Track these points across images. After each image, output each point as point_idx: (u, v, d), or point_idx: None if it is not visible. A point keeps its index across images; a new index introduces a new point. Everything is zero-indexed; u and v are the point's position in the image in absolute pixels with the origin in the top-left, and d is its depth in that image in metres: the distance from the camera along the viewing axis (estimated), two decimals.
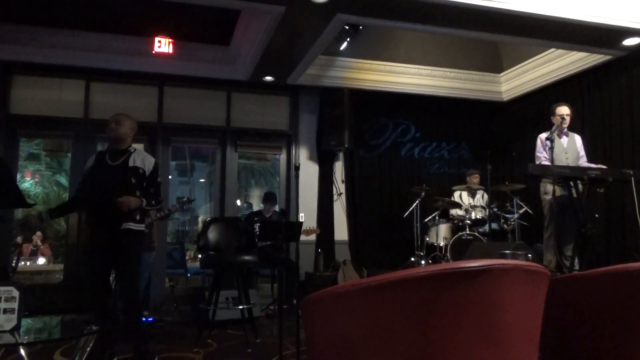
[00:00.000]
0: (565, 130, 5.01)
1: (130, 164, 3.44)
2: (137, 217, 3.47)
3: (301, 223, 4.84)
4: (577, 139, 5.14)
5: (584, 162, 5.02)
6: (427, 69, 7.22)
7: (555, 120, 4.97)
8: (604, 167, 4.75)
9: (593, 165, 4.79)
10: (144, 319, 4.81)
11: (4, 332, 2.42)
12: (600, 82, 6.17)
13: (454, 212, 6.72)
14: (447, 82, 7.33)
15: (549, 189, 4.90)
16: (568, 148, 5.00)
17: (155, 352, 3.92)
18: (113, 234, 3.37)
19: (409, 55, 7.06)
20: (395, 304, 1.33)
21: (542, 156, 4.88)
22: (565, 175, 4.39)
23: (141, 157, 3.51)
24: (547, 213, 4.98)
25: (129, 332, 3.53)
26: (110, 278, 3.70)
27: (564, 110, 4.97)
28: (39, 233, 9.76)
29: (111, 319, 3.59)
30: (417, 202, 6.54)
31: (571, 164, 4.82)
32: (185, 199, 5.20)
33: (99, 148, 6.55)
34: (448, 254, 6.21)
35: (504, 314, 1.36)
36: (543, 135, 5.01)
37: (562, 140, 4.96)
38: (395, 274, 1.34)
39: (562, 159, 4.78)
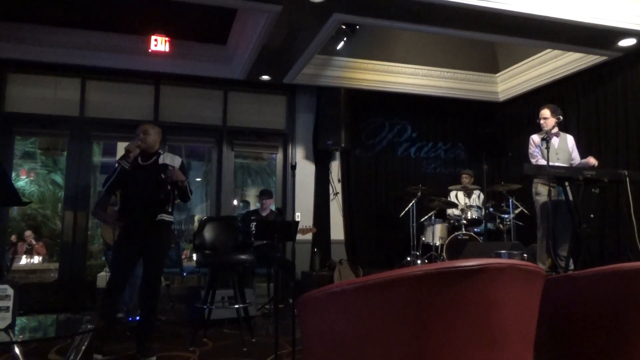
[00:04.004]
0: (556, 130, 5.02)
1: (160, 162, 3.83)
2: (169, 209, 3.82)
3: (297, 222, 4.86)
4: (569, 139, 5.14)
5: (576, 163, 5.03)
6: (423, 69, 7.23)
7: (541, 123, 5.01)
8: (593, 160, 4.76)
9: (584, 161, 4.82)
10: (137, 317, 4.81)
11: None
12: (595, 83, 6.20)
13: (450, 212, 6.73)
14: (444, 82, 7.35)
15: (540, 190, 4.91)
16: (559, 149, 5.01)
17: (152, 351, 3.93)
18: (148, 226, 3.70)
19: (406, 55, 7.07)
20: (391, 303, 1.33)
21: (538, 156, 4.89)
22: (560, 176, 4.40)
23: (170, 157, 3.90)
24: (539, 213, 5.00)
25: (140, 325, 3.76)
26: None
27: (541, 113, 4.99)
28: (29, 232, 9.70)
29: (111, 317, 3.79)
30: (413, 202, 6.55)
31: (562, 165, 4.83)
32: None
33: (95, 147, 6.54)
34: (444, 254, 6.22)
35: (499, 313, 1.36)
36: (535, 136, 5.03)
37: (552, 141, 4.96)
38: (391, 273, 1.34)
39: (553, 160, 4.79)
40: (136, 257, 3.78)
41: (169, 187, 3.79)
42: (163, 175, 3.73)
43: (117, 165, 3.77)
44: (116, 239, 3.90)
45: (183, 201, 3.97)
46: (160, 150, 3.92)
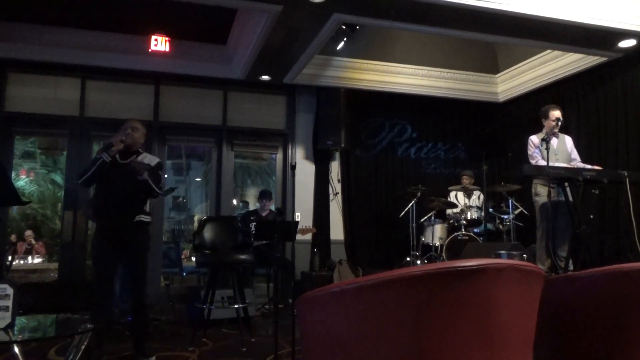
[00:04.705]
0: (556, 131, 5.02)
1: (139, 161, 3.67)
2: (147, 209, 3.71)
3: (297, 222, 4.85)
4: (568, 140, 5.14)
5: (577, 163, 5.03)
6: (423, 69, 7.23)
7: (548, 123, 4.99)
8: (598, 167, 4.76)
9: (588, 166, 4.81)
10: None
11: None
12: (595, 83, 6.20)
13: (450, 212, 6.73)
14: (444, 83, 7.35)
15: (540, 191, 4.91)
16: (558, 149, 5.01)
17: (151, 351, 3.92)
18: (125, 227, 3.57)
19: (406, 55, 7.07)
20: (390, 303, 1.33)
21: (538, 157, 4.89)
22: (560, 177, 4.40)
23: (148, 157, 3.77)
24: (538, 214, 5.00)
25: (135, 327, 3.66)
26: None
27: (557, 113, 4.97)
28: (29, 231, 9.71)
29: (106, 318, 3.66)
30: (412, 202, 6.55)
31: (562, 165, 4.83)
32: (166, 189, 5.19)
33: (95, 146, 6.54)
34: (443, 254, 6.22)
35: (498, 313, 1.36)
36: (534, 137, 5.02)
37: (551, 141, 4.96)
38: (390, 273, 1.34)
39: (552, 161, 4.79)
40: (116, 258, 3.63)
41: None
42: (140, 178, 3.53)
43: (97, 157, 3.59)
44: (93, 241, 3.73)
45: (151, 197, 3.74)
46: (140, 149, 3.77)
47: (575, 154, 5.10)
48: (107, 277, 3.60)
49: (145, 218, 3.68)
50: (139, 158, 3.68)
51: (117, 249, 3.57)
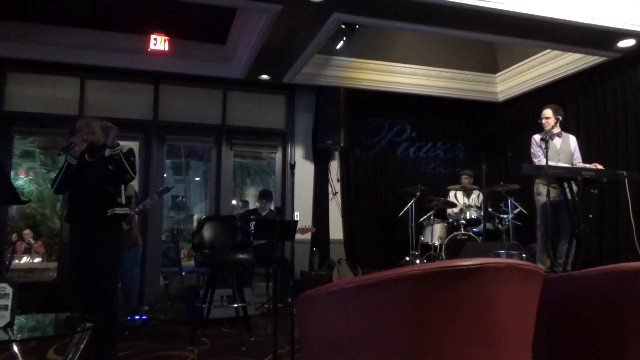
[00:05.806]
0: (559, 131, 5.03)
1: (107, 154, 3.49)
2: (122, 202, 3.55)
3: (296, 222, 4.84)
4: (572, 140, 5.15)
5: (577, 163, 5.04)
6: (423, 68, 7.23)
7: (542, 123, 5.02)
8: (599, 166, 4.76)
9: (589, 166, 4.81)
10: (137, 317, 4.81)
11: None
12: (594, 83, 6.20)
13: (449, 211, 6.73)
14: (443, 82, 7.35)
15: (541, 190, 4.91)
16: (561, 149, 5.02)
17: (148, 350, 3.91)
18: (97, 225, 3.42)
19: (406, 55, 7.07)
20: (390, 302, 1.33)
21: (541, 155, 4.89)
22: (559, 176, 4.40)
23: (118, 147, 3.54)
24: (539, 213, 5.00)
25: (99, 332, 3.24)
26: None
27: (544, 113, 5.00)
28: (27, 231, 9.71)
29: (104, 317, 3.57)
30: (412, 201, 6.55)
31: (564, 165, 4.84)
32: (162, 188, 5.20)
33: None
34: (443, 254, 6.22)
35: (497, 312, 1.36)
36: (537, 136, 5.03)
37: (554, 141, 4.98)
38: (390, 272, 1.34)
39: (554, 160, 4.80)
40: (92, 256, 3.44)
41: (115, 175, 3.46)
42: (111, 167, 3.41)
43: (65, 160, 3.46)
44: (69, 241, 3.59)
45: (123, 179, 3.54)
46: (107, 144, 3.54)
47: (577, 154, 5.11)
48: (87, 276, 3.45)
49: (120, 210, 3.52)
50: (107, 151, 3.50)
51: (90, 246, 3.43)
